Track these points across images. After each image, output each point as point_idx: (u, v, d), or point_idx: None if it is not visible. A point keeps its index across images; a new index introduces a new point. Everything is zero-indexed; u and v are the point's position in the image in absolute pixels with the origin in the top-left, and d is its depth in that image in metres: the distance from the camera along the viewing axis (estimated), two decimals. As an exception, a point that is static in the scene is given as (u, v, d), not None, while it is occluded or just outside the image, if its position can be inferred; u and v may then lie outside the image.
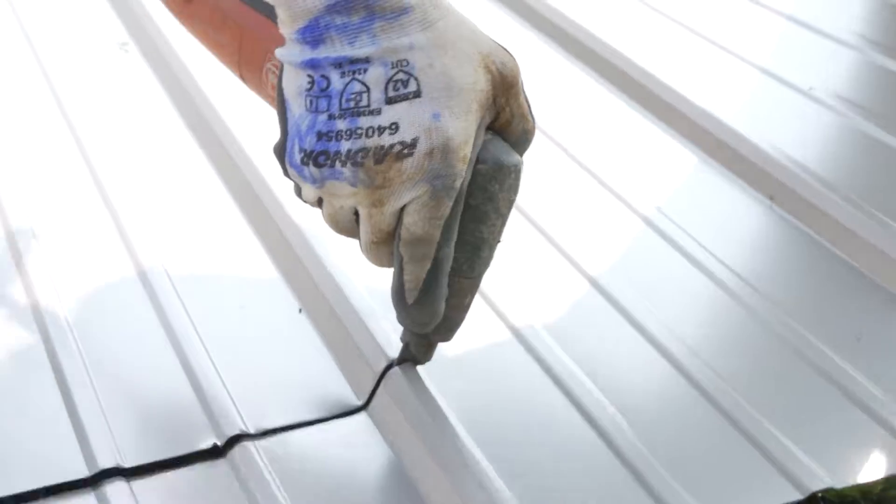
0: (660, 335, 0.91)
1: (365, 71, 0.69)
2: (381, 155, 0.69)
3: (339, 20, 0.68)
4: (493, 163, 0.73)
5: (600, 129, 1.21)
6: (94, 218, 1.04)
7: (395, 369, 0.84)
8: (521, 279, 0.96)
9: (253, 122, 1.04)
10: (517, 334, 0.91)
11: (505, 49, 0.74)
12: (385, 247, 0.75)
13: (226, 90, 1.11)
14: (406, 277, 0.75)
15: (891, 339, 0.90)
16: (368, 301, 0.90)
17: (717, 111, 1.17)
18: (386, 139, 0.69)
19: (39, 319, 0.91)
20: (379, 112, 0.69)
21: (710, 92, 1.22)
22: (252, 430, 0.81)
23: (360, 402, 0.84)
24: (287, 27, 0.71)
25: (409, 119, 0.69)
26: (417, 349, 0.83)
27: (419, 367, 0.84)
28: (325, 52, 0.69)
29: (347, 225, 0.76)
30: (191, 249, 1.01)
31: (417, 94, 0.69)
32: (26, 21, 1.37)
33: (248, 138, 1.08)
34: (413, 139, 0.69)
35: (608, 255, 1.00)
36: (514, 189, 0.75)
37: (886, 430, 0.81)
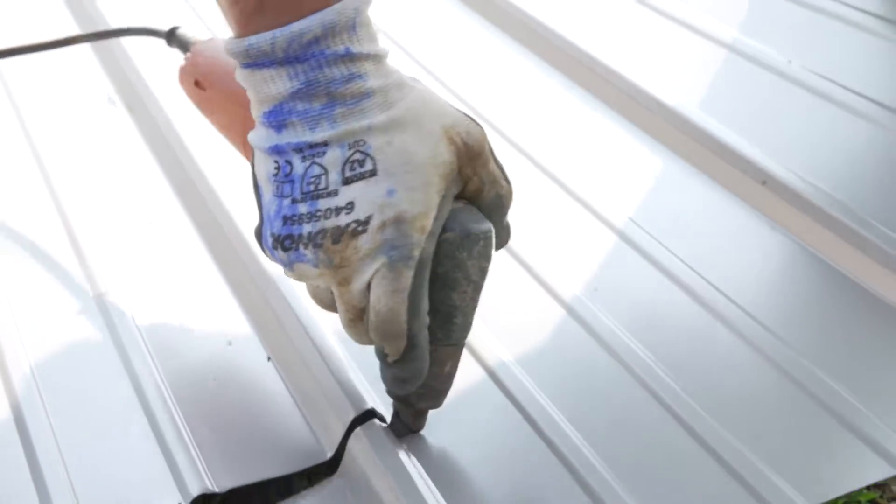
0: (623, 349, 0.90)
1: (323, 154, 0.71)
2: (338, 235, 0.72)
3: (300, 106, 0.71)
4: (460, 230, 0.75)
5: (570, 134, 1.20)
6: (68, 275, 1.03)
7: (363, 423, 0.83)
8: (490, 302, 0.95)
9: (235, 181, 1.03)
10: (487, 369, 0.90)
11: (471, 119, 0.76)
12: (362, 324, 0.77)
13: (209, 148, 1.11)
14: (386, 352, 0.77)
15: (872, 352, 0.90)
16: (338, 351, 0.90)
17: (700, 119, 1.16)
18: (342, 219, 0.72)
19: (5, 375, 0.91)
20: (336, 193, 0.72)
21: (693, 94, 1.22)
22: (217, 489, 0.80)
23: (328, 455, 0.84)
24: (255, 110, 0.74)
25: (364, 197, 0.71)
26: (406, 417, 0.83)
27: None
28: (288, 137, 0.72)
29: (328, 302, 0.80)
30: (160, 297, 1.01)
31: (373, 173, 0.71)
32: (9, 76, 1.37)
33: (230, 196, 1.07)
34: (367, 216, 0.72)
35: (576, 270, 0.99)
36: (484, 256, 0.77)
37: (867, 445, 0.81)
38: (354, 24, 0.70)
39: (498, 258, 0.79)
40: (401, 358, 0.77)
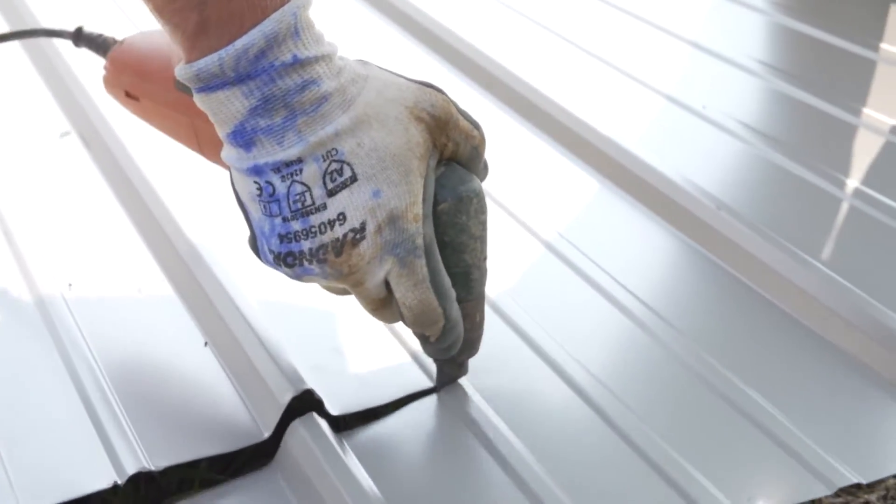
0: (562, 361, 0.90)
1: (301, 171, 0.71)
2: (339, 247, 0.73)
3: (263, 123, 0.70)
4: (452, 197, 0.77)
5: (501, 154, 1.20)
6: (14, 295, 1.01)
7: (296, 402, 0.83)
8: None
9: (193, 207, 1.05)
10: (428, 373, 0.90)
11: (430, 88, 0.77)
12: (386, 309, 0.79)
13: (167, 178, 1.10)
14: (428, 337, 0.80)
15: (796, 365, 0.90)
16: (275, 334, 0.90)
17: (618, 136, 1.17)
18: (338, 231, 0.72)
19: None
20: (325, 207, 0.72)
21: (612, 117, 1.22)
22: (153, 468, 0.79)
23: (265, 435, 0.83)
24: (219, 130, 0.73)
25: (352, 205, 0.72)
26: (452, 369, 0.87)
27: (327, 396, 0.84)
28: (259, 156, 0.71)
29: (341, 292, 0.82)
30: (97, 283, 1.00)
31: (354, 179, 0.72)
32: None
33: (189, 223, 1.05)
34: (361, 223, 0.72)
35: (508, 280, 0.99)
36: (480, 210, 0.79)
37: (792, 457, 0.81)
38: (297, 30, 0.69)
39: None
40: (441, 335, 0.79)
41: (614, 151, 1.15)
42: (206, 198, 1.08)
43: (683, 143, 1.17)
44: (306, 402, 0.84)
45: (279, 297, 0.95)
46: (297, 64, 0.70)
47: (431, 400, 0.88)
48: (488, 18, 1.48)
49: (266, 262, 0.76)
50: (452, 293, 0.79)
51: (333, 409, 0.84)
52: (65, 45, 1.23)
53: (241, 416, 0.86)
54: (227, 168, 0.76)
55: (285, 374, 0.85)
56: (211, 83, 0.70)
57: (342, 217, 0.72)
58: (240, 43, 0.68)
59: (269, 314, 0.92)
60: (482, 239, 0.80)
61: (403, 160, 0.73)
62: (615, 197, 1.11)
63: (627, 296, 0.97)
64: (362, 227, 0.72)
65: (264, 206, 0.73)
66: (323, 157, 0.71)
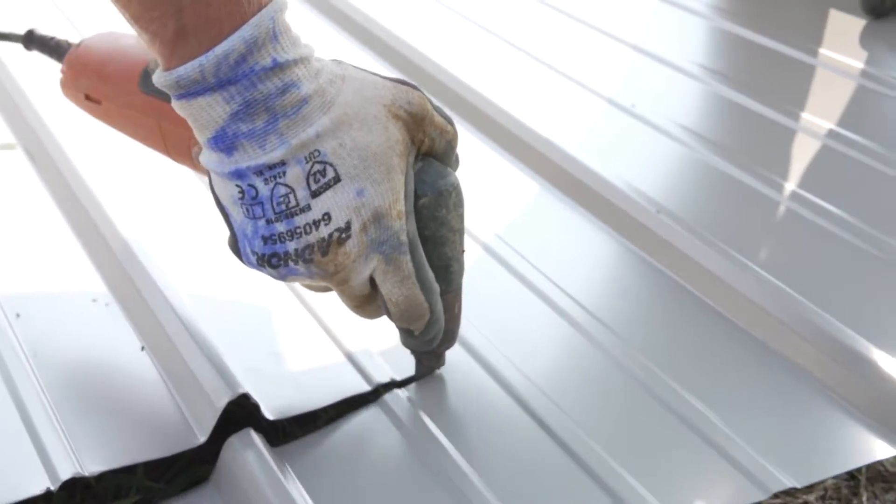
0: (501, 366, 0.90)
1: (284, 173, 0.71)
2: (325, 247, 0.73)
3: (244, 127, 0.70)
4: (432, 192, 0.78)
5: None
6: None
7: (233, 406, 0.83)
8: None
9: (136, 217, 1.04)
10: (368, 379, 0.90)
11: (406, 85, 0.77)
12: (369, 305, 0.81)
13: (110, 188, 1.09)
14: (412, 330, 0.82)
15: (734, 369, 0.90)
16: (211, 337, 0.89)
17: (558, 139, 1.17)
18: (324, 231, 0.73)
19: None
20: (309, 208, 0.72)
21: (552, 119, 1.22)
22: (87, 473, 0.78)
23: (201, 439, 0.83)
24: (199, 135, 0.73)
25: (336, 205, 0.73)
26: (431, 360, 0.89)
27: (263, 400, 0.84)
28: (241, 160, 0.71)
29: (323, 290, 0.82)
30: (33, 288, 0.99)
31: (337, 179, 0.72)
32: None
33: (132, 233, 1.04)
34: (346, 222, 0.73)
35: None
36: (459, 203, 0.80)
37: (732, 466, 0.81)
38: (275, 33, 0.70)
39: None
40: (425, 328, 0.81)
41: (554, 154, 1.15)
42: (148, 208, 1.07)
43: (624, 146, 1.18)
44: (243, 406, 0.84)
45: (216, 301, 0.94)
46: (277, 67, 0.70)
47: (371, 409, 0.88)
48: (429, 20, 1.48)
49: (248, 263, 0.76)
50: (437, 287, 0.80)
51: (270, 414, 0.84)
52: (9, 52, 1.23)
53: (177, 421, 0.85)
54: (196, 169, 0.77)
55: (222, 378, 0.85)
56: (191, 90, 0.70)
57: (327, 217, 0.73)
58: (220, 49, 0.68)
59: (206, 318, 0.92)
60: (461, 231, 0.81)
61: (385, 158, 0.74)
62: (555, 200, 1.12)
63: (566, 299, 0.97)
64: (348, 226, 0.73)
65: (247, 209, 0.73)
66: (306, 158, 0.72)
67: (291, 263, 0.74)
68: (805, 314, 0.91)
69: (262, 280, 0.96)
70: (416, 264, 0.78)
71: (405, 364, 0.89)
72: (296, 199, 0.72)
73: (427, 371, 0.89)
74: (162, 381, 0.89)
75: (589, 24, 1.43)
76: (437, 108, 0.79)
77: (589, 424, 0.84)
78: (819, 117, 1.17)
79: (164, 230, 1.05)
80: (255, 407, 0.83)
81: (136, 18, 0.69)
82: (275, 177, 0.72)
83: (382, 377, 0.89)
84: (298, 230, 0.73)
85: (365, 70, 0.77)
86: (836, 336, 0.89)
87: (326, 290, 0.81)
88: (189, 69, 0.69)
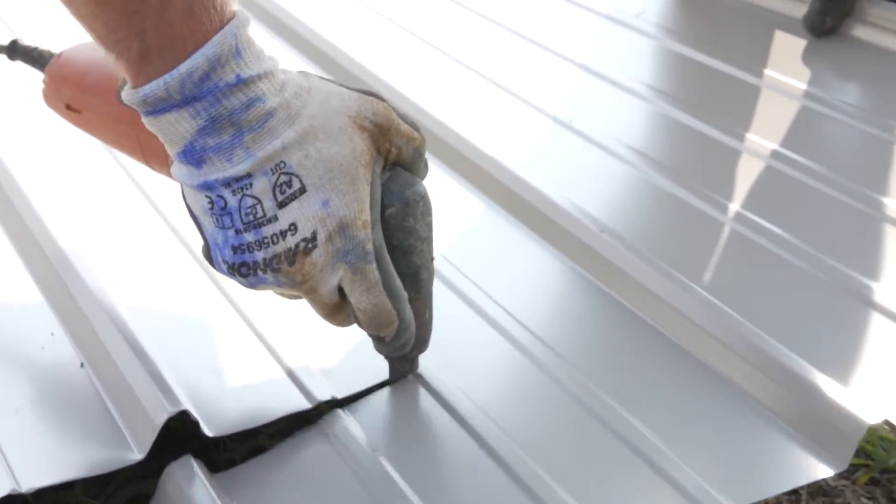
0: (444, 389, 0.91)
1: (251, 185, 0.72)
2: (292, 256, 0.74)
3: (211, 141, 0.71)
4: (399, 202, 0.80)
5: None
6: None
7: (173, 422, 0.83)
8: (297, 322, 0.95)
9: (77, 232, 1.04)
10: (309, 397, 0.90)
11: (371, 95, 0.78)
12: (339, 314, 0.82)
13: (51, 202, 1.08)
14: (383, 336, 0.83)
15: (676, 391, 0.91)
16: (151, 354, 0.89)
17: (503, 157, 1.17)
18: (290, 241, 0.74)
19: None
20: (276, 218, 0.73)
21: (498, 138, 1.22)
22: (25, 490, 0.78)
23: (140, 456, 0.82)
24: (169, 149, 0.74)
25: (302, 216, 0.74)
26: (403, 365, 0.91)
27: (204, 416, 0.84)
28: (210, 173, 0.73)
29: (294, 298, 0.83)
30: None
31: (303, 190, 0.74)
32: None
33: (71, 246, 1.04)
34: (312, 232, 0.74)
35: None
36: (426, 212, 0.82)
37: (673, 487, 0.81)
38: (238, 50, 0.70)
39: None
40: (395, 335, 0.82)
41: (499, 173, 1.15)
42: (88, 219, 1.07)
43: (569, 165, 1.18)
44: (183, 423, 0.83)
45: (157, 317, 0.94)
46: (241, 83, 0.71)
47: (311, 430, 0.88)
48: (375, 35, 1.48)
49: (220, 271, 0.77)
50: (404, 294, 0.81)
51: (210, 430, 0.83)
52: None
53: (117, 438, 0.85)
54: (174, 178, 0.76)
55: (162, 395, 0.85)
56: (158, 107, 0.70)
57: (293, 227, 0.74)
58: (184, 67, 0.69)
59: (146, 334, 0.91)
60: (429, 240, 0.83)
61: (350, 169, 0.75)
62: (499, 219, 1.12)
63: (509, 319, 0.97)
64: (313, 237, 0.74)
65: (217, 219, 0.74)
66: (272, 170, 0.73)
67: (260, 272, 0.75)
68: (746, 335, 0.92)
69: (202, 295, 0.96)
70: (383, 272, 0.79)
71: (346, 382, 0.89)
72: (263, 210, 0.73)
73: (401, 375, 0.91)
74: (101, 397, 0.88)
75: (537, 43, 1.43)
76: (403, 117, 0.80)
77: (532, 446, 0.85)
78: (763, 138, 1.18)
79: (104, 243, 1.04)
80: (195, 424, 0.83)
81: (102, 39, 0.70)
82: (242, 188, 0.73)
83: (323, 395, 0.89)
84: (266, 240, 0.74)
85: (331, 81, 0.78)
86: (776, 357, 0.90)
87: (298, 297, 0.82)
88: (154, 87, 0.69)
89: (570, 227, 1.06)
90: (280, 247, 0.74)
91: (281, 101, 0.73)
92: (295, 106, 0.74)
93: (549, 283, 1.03)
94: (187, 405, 0.84)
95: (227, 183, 0.73)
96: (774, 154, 1.16)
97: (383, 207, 0.79)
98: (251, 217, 0.73)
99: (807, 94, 1.25)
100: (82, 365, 0.91)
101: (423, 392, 0.90)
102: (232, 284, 0.98)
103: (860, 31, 1.35)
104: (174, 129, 0.71)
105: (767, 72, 1.30)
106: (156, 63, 0.69)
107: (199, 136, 0.71)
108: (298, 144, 0.73)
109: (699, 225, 1.07)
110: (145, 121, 0.72)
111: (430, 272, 0.84)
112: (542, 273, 1.04)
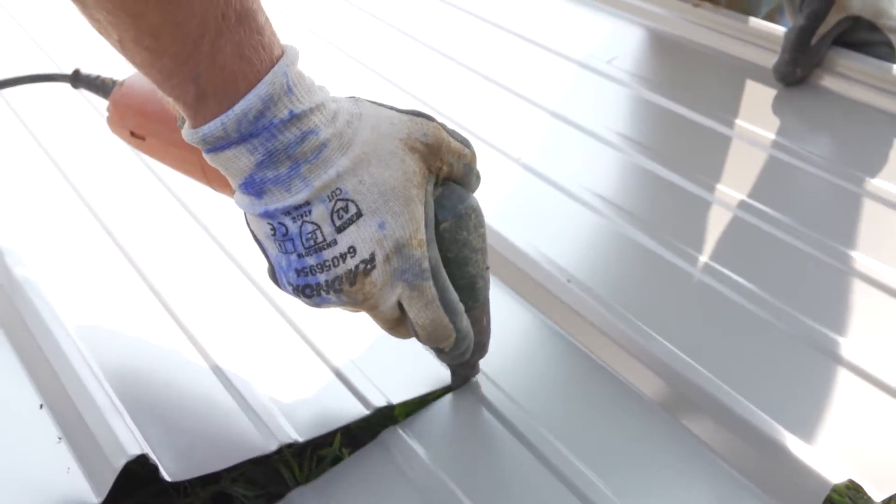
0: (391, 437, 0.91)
1: (310, 212, 0.76)
2: (353, 277, 0.78)
3: (270, 174, 0.75)
4: (452, 216, 0.83)
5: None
6: None
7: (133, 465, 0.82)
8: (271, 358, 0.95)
9: (35, 266, 1.04)
10: (259, 423, 0.89)
11: (421, 117, 0.82)
12: (401, 327, 0.86)
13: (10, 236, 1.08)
14: (443, 349, 0.87)
15: (642, 448, 0.90)
16: (111, 397, 0.88)
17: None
18: (350, 263, 0.78)
19: None
20: (335, 242, 0.77)
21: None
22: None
23: (97, 501, 0.81)
24: (231, 181, 0.78)
25: (360, 239, 0.78)
26: (465, 370, 0.95)
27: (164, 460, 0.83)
28: (270, 202, 0.77)
29: (360, 313, 0.85)
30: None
31: (360, 214, 0.77)
32: None
33: (32, 285, 1.03)
34: (371, 254, 0.78)
35: (356, 349, 0.99)
36: (479, 224, 0.85)
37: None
38: (289, 87, 0.74)
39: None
40: (453, 346, 0.86)
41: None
42: (45, 254, 1.06)
43: (536, 213, 1.18)
44: (143, 466, 0.83)
45: (115, 359, 0.93)
46: (294, 118, 0.74)
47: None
48: (342, 76, 1.48)
49: (286, 291, 0.81)
50: (460, 307, 0.85)
51: (171, 474, 0.83)
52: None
53: (75, 481, 0.84)
54: (237, 205, 0.80)
55: (120, 438, 0.84)
56: (217, 145, 0.74)
57: (352, 250, 0.78)
58: (238, 108, 0.73)
59: (106, 377, 0.90)
60: (483, 250, 0.86)
61: (403, 191, 0.79)
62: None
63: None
64: (372, 258, 0.78)
65: (279, 245, 0.78)
66: (328, 197, 0.76)
67: (323, 293, 0.79)
68: (712, 390, 0.91)
69: (161, 334, 0.96)
70: (440, 288, 0.83)
71: (306, 422, 0.89)
72: (322, 235, 0.77)
73: (462, 381, 0.95)
74: (60, 440, 0.87)
75: (507, 88, 1.43)
76: (452, 134, 0.83)
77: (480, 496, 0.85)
78: (732, 188, 1.18)
79: (62, 275, 1.04)
80: (154, 468, 0.82)
81: (159, 84, 0.74)
82: (301, 215, 0.77)
83: (285, 437, 0.88)
84: (327, 263, 0.78)
85: (380, 105, 0.81)
86: (740, 412, 0.89)
87: (359, 311, 0.84)
88: (212, 128, 0.73)
89: (538, 276, 1.06)
90: (341, 269, 0.78)
91: (334, 131, 0.76)
92: (347, 134, 0.77)
93: (515, 332, 1.02)
94: (148, 447, 0.83)
95: (286, 211, 0.77)
96: (742, 205, 1.16)
97: (437, 223, 0.83)
98: (312, 242, 0.77)
99: (775, 145, 1.25)
100: (41, 406, 0.90)
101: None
102: (195, 319, 0.99)
103: (829, 82, 1.35)
104: (234, 164, 0.75)
105: (738, 121, 1.30)
106: (212, 105, 0.73)
107: (258, 169, 0.75)
108: (353, 171, 0.77)
109: (667, 276, 1.07)
110: (206, 157, 0.76)
111: (486, 280, 0.88)
112: (508, 321, 1.03)
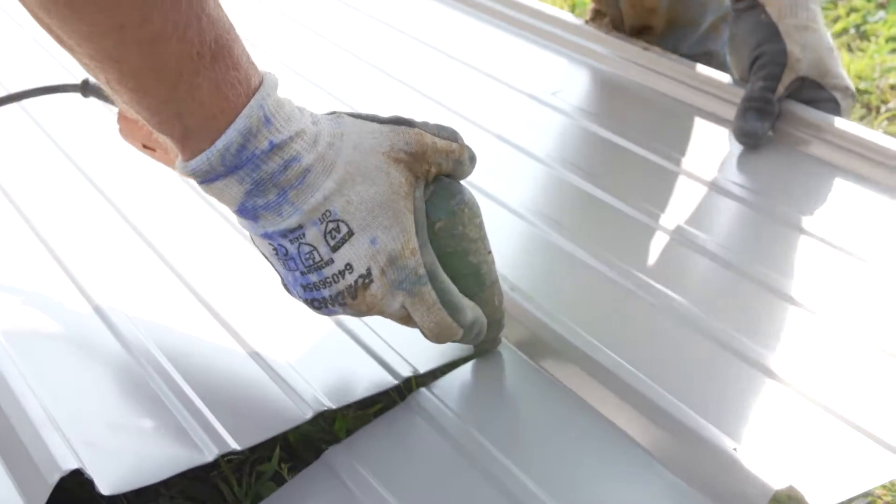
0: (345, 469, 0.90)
1: (304, 235, 0.81)
2: (354, 291, 0.82)
3: (260, 201, 0.80)
4: (445, 214, 0.86)
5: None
6: None
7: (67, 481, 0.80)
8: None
9: None
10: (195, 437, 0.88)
11: (402, 125, 0.84)
12: (412, 321, 0.87)
13: None
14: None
15: (598, 465, 0.90)
16: (43, 409, 0.87)
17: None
18: (349, 279, 0.82)
19: None
20: (332, 261, 0.82)
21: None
22: None
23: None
24: (228, 208, 0.82)
25: (355, 256, 0.81)
26: (486, 343, 0.97)
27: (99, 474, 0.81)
28: (266, 226, 0.81)
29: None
30: None
31: (351, 233, 0.81)
32: None
33: None
34: (367, 269, 0.82)
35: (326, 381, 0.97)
36: (474, 215, 0.88)
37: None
38: (267, 118, 0.78)
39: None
40: (463, 335, 0.89)
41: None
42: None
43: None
44: (78, 482, 0.81)
45: (49, 371, 0.92)
46: (275, 148, 0.78)
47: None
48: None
49: (299, 300, 0.85)
50: (463, 304, 0.88)
51: (107, 489, 0.81)
52: None
53: (8, 497, 0.82)
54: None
55: (54, 453, 0.82)
56: (207, 177, 0.78)
57: (349, 267, 0.82)
58: (220, 143, 0.77)
59: (40, 389, 0.89)
60: (481, 238, 0.89)
61: (391, 204, 0.82)
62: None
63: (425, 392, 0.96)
64: (368, 273, 0.82)
65: (283, 263, 0.83)
66: (319, 219, 0.80)
67: (330, 306, 0.84)
68: (653, 397, 0.91)
69: (97, 347, 0.94)
70: (440, 290, 0.85)
71: (243, 434, 0.88)
72: (319, 255, 0.81)
73: (484, 352, 0.98)
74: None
75: (455, 112, 1.43)
76: (437, 131, 0.86)
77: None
78: (670, 216, 1.18)
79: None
80: (89, 482, 0.81)
81: (148, 121, 0.78)
82: (297, 238, 0.81)
83: (223, 447, 0.87)
84: (328, 280, 0.82)
85: (361, 117, 0.84)
86: (684, 421, 0.89)
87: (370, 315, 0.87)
88: (199, 162, 0.77)
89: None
90: (341, 285, 0.82)
91: (316, 155, 0.80)
92: (329, 156, 0.80)
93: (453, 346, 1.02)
94: (84, 462, 0.81)
95: (283, 234, 0.81)
96: (679, 229, 1.16)
97: (432, 222, 0.85)
98: (311, 261, 0.81)
99: (715, 180, 1.25)
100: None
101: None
102: (133, 325, 0.99)
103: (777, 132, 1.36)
104: (226, 193, 0.79)
105: (679, 156, 1.31)
106: (197, 140, 0.77)
107: (248, 197, 0.79)
108: (339, 192, 0.80)
109: (605, 287, 1.08)
110: (200, 187, 0.80)
111: (490, 263, 0.90)
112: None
